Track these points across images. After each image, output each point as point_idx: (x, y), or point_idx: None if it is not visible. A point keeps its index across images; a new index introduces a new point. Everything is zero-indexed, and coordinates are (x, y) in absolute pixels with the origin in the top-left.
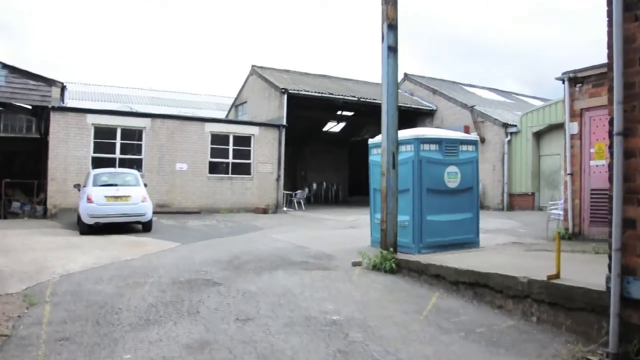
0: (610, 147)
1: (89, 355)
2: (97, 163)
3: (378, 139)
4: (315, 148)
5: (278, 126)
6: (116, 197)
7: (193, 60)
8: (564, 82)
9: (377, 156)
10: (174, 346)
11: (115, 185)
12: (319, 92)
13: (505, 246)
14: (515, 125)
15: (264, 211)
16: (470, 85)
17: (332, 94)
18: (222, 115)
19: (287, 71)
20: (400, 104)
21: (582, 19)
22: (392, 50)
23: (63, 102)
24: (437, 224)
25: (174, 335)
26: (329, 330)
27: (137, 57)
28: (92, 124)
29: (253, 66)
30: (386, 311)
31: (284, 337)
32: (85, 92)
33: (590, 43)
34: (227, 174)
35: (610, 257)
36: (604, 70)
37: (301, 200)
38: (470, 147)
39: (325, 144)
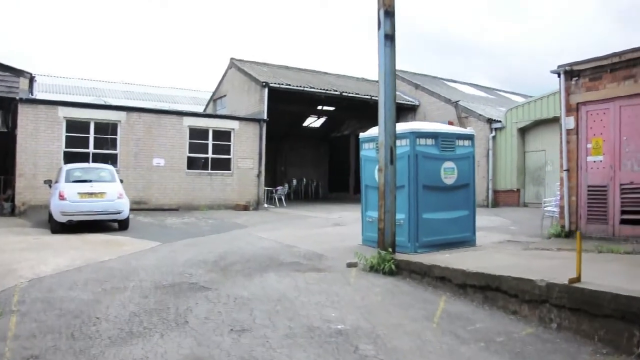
0: None
1: None
2: (69, 158)
3: (370, 132)
4: (295, 143)
5: (259, 120)
6: (90, 194)
7: (169, 53)
8: (559, 76)
9: (369, 151)
10: None
11: (90, 181)
12: (300, 86)
13: (502, 245)
14: (500, 121)
15: (245, 208)
16: (452, 81)
17: (313, 88)
18: (199, 109)
19: (267, 64)
20: None
21: (551, 15)
22: (389, 38)
23: (32, 94)
24: (434, 222)
25: (162, 351)
26: (335, 342)
27: (110, 50)
28: (64, 117)
29: (232, 59)
30: (394, 318)
31: (287, 352)
32: (56, 84)
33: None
34: (207, 169)
35: None
36: (601, 63)
37: (282, 197)
38: (467, 142)
39: (306, 140)
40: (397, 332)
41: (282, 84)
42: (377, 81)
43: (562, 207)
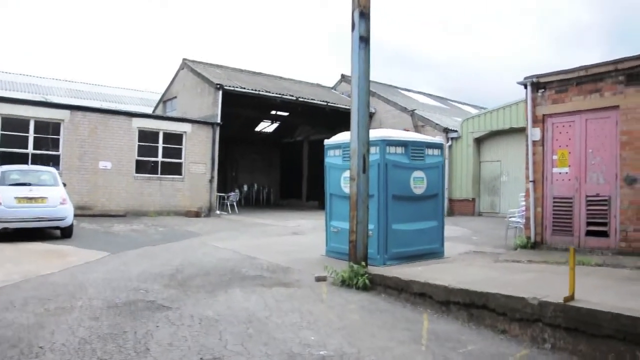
0: None
1: None
2: (4, 159)
3: (336, 139)
4: (246, 148)
5: (212, 124)
6: (29, 199)
7: (116, 51)
8: (525, 87)
9: (334, 158)
10: None
11: (29, 184)
12: (255, 90)
13: (469, 256)
14: (456, 131)
15: (196, 214)
16: (406, 90)
17: (269, 92)
18: (148, 111)
19: (220, 66)
20: (337, 105)
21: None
22: (363, 40)
23: None
24: (403, 234)
25: None
26: None
27: (53, 46)
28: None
29: (184, 59)
30: (379, 341)
31: None
32: None
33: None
34: (156, 174)
35: None
36: (568, 76)
37: (234, 203)
38: (436, 151)
39: (258, 145)
40: (386, 357)
41: (237, 87)
42: (331, 87)
43: (527, 219)
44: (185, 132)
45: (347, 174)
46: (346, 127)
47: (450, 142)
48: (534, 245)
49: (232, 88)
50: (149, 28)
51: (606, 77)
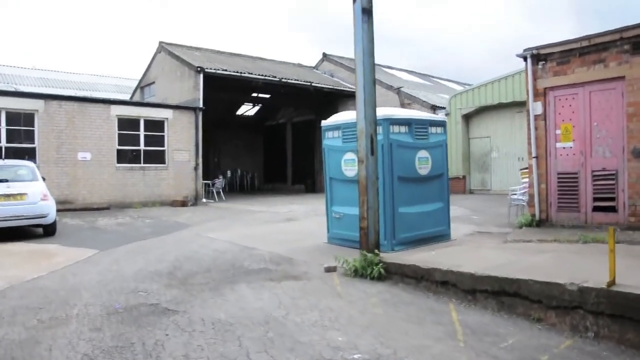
0: None
1: None
2: None
3: (333, 120)
4: (228, 133)
5: (194, 109)
6: (7, 196)
7: (87, 38)
8: (525, 60)
9: (333, 140)
10: None
11: (5, 180)
12: (237, 72)
13: (476, 237)
14: (444, 108)
15: (183, 204)
16: (389, 67)
17: (251, 74)
18: (125, 98)
19: (199, 49)
20: (321, 85)
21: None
22: (366, 12)
23: None
24: (410, 217)
25: None
26: None
27: (21, 33)
28: None
29: (161, 42)
30: (412, 339)
31: None
32: None
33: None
34: (139, 163)
35: None
36: (570, 47)
37: (220, 190)
38: (440, 129)
39: (239, 129)
40: (425, 357)
41: (219, 70)
42: (313, 67)
43: (531, 196)
44: (166, 118)
45: (348, 156)
46: (331, 107)
47: None
48: (539, 222)
49: (213, 71)
50: (120, 11)
51: (611, 47)
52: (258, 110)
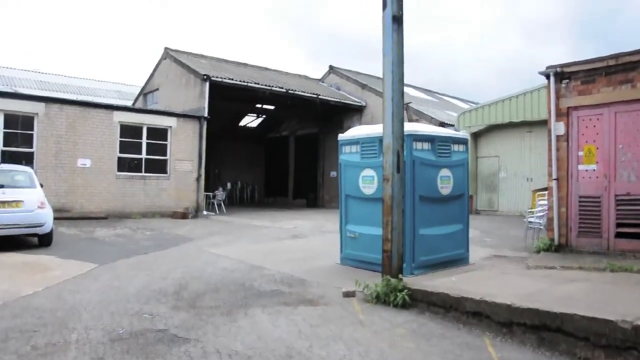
0: None
1: None
2: None
3: (350, 134)
4: (230, 144)
5: (199, 118)
6: (2, 203)
7: (89, 42)
8: (548, 78)
9: (350, 155)
10: None
11: (1, 187)
12: (244, 81)
13: (494, 262)
14: (453, 125)
15: (183, 216)
16: None
17: (258, 84)
18: (126, 104)
19: (204, 56)
20: (327, 98)
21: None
22: (396, 21)
23: None
24: (430, 239)
25: None
26: None
27: (21, 35)
28: None
29: (167, 49)
30: None
31: None
32: None
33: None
34: (140, 172)
35: None
36: (595, 65)
37: (221, 203)
38: (462, 147)
39: (241, 140)
40: None
41: (225, 79)
42: (319, 79)
43: (550, 219)
44: (170, 126)
45: (366, 172)
46: (335, 121)
47: None
48: (558, 247)
49: (220, 79)
50: (125, 17)
51: (639, 67)
52: (261, 122)
